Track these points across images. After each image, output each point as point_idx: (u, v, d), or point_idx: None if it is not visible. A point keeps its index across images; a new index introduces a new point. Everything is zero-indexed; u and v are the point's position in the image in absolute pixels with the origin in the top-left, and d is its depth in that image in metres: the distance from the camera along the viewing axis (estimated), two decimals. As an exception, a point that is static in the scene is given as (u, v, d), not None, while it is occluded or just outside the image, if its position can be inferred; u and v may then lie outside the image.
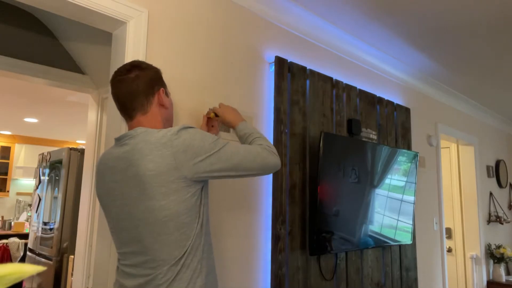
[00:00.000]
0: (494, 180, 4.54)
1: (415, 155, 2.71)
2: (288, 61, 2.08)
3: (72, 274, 2.84)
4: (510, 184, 4.88)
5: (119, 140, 1.17)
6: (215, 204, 1.70)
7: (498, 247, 4.14)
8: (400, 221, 2.56)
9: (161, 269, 1.06)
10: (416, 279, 2.87)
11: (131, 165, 1.08)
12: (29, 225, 4.80)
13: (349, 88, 2.47)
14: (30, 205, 6.44)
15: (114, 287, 1.18)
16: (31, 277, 3.66)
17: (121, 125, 1.44)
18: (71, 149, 3.58)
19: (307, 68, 2.19)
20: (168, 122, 1.28)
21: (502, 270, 4.11)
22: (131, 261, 1.12)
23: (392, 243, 2.49)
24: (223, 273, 1.69)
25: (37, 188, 4.03)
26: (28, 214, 6.26)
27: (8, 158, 6.39)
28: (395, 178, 2.52)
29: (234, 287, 1.73)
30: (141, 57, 1.50)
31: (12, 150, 6.43)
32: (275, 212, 1.88)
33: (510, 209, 4.77)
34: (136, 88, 1.17)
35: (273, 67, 2.02)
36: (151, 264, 1.07)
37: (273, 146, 1.35)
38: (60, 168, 3.56)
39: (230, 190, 1.77)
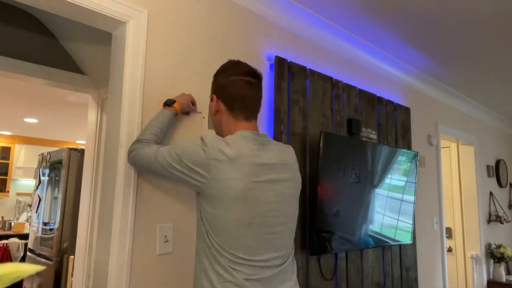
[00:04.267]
0: (494, 179, 4.54)
1: (415, 155, 2.71)
2: (288, 61, 2.08)
3: (72, 274, 2.84)
4: (510, 184, 4.88)
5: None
6: (215, 204, 1.70)
7: (498, 246, 4.13)
8: (400, 220, 2.56)
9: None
10: (416, 279, 2.86)
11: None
12: (29, 225, 4.80)
13: (349, 88, 2.47)
14: (30, 205, 6.44)
15: None
16: (31, 277, 3.66)
17: (121, 126, 1.44)
18: (71, 149, 3.58)
19: (307, 68, 2.19)
20: None
21: (502, 269, 4.11)
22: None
23: (392, 242, 2.49)
24: (223, 273, 1.69)
25: (37, 188, 4.03)
26: (28, 214, 6.26)
27: (8, 158, 6.39)
28: (395, 178, 2.52)
29: (234, 287, 1.73)
30: (141, 58, 1.50)
31: (12, 150, 6.43)
32: (275, 212, 1.88)
33: (510, 209, 4.77)
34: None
35: (273, 67, 2.02)
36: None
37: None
38: (60, 168, 3.56)
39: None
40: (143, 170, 1.34)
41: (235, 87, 1.24)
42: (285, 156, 1.26)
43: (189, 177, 1.17)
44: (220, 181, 1.12)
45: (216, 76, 1.32)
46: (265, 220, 1.16)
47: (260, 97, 1.30)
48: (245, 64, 1.30)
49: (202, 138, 1.18)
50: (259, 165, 1.16)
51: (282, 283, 1.19)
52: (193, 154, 1.16)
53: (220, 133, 1.29)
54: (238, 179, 1.12)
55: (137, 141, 1.36)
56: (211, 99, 1.31)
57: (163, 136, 1.44)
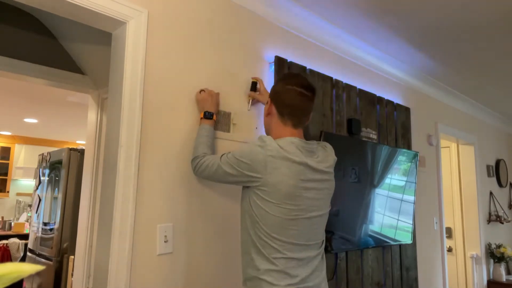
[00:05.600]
0: (494, 179, 4.54)
1: (415, 155, 2.71)
2: (288, 61, 2.08)
3: (72, 275, 2.84)
4: (510, 183, 4.88)
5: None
6: (221, 206, 1.70)
7: (499, 246, 4.13)
8: (400, 220, 2.56)
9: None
10: (416, 279, 2.86)
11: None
12: (29, 225, 4.80)
13: (349, 88, 2.47)
14: (30, 206, 6.44)
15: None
16: (31, 277, 3.66)
17: (121, 126, 1.44)
18: (71, 149, 3.58)
19: (307, 68, 2.19)
20: None
21: (502, 269, 4.11)
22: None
23: (392, 242, 2.49)
24: (225, 273, 1.69)
25: (37, 188, 4.03)
26: (28, 215, 6.27)
27: (8, 159, 6.39)
28: (395, 178, 2.52)
29: (235, 287, 1.73)
30: (140, 58, 1.50)
31: (12, 150, 6.43)
32: (275, 212, 1.88)
33: (510, 208, 4.77)
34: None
35: (273, 67, 2.02)
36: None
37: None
38: (60, 168, 3.56)
39: (233, 192, 1.77)
40: (210, 179, 1.47)
41: (288, 96, 1.38)
42: (327, 162, 1.39)
43: (247, 176, 1.31)
44: (275, 176, 1.26)
45: (276, 82, 1.47)
46: (307, 214, 1.30)
47: (310, 109, 1.42)
48: (304, 78, 1.43)
49: (260, 138, 1.33)
50: (306, 166, 1.30)
51: (317, 270, 1.35)
52: (251, 152, 1.31)
53: (268, 133, 1.45)
54: (290, 176, 1.26)
55: (195, 158, 1.52)
56: (267, 102, 1.46)
57: (213, 147, 1.59)
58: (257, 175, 1.28)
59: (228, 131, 1.78)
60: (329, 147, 1.47)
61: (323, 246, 1.41)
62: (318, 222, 1.36)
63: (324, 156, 1.40)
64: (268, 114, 1.44)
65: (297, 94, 1.37)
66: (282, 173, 1.25)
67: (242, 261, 1.36)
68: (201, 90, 1.67)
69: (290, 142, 1.31)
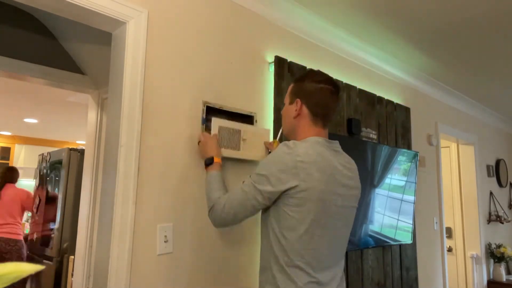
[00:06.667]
0: (494, 179, 4.54)
1: (415, 155, 2.71)
2: (288, 61, 2.08)
3: (72, 275, 2.84)
4: (510, 183, 4.88)
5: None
6: (215, 204, 1.70)
7: (499, 246, 4.14)
8: (400, 220, 2.56)
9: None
10: (416, 279, 2.86)
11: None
12: (29, 225, 4.79)
13: (349, 88, 2.47)
14: (30, 206, 6.43)
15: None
16: (31, 278, 3.66)
17: (121, 126, 1.44)
18: (71, 149, 3.57)
19: (307, 68, 2.19)
20: None
21: (502, 269, 4.11)
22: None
23: (392, 242, 2.49)
24: (225, 273, 1.69)
25: (37, 188, 4.03)
26: (28, 215, 6.26)
27: (8, 159, 6.39)
28: (395, 178, 2.52)
29: (235, 287, 1.73)
30: (140, 58, 1.50)
31: (12, 150, 6.43)
32: (275, 212, 1.88)
33: (510, 208, 4.77)
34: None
35: (273, 67, 2.02)
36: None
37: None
38: (60, 169, 3.56)
39: (230, 190, 1.77)
40: (237, 218, 1.31)
41: (322, 95, 1.30)
42: (352, 165, 1.32)
43: (280, 191, 1.18)
44: (308, 181, 1.16)
45: (302, 81, 1.35)
46: (333, 222, 1.22)
47: (337, 107, 1.37)
48: (326, 74, 1.35)
49: (284, 144, 1.23)
50: (335, 169, 1.23)
51: None
52: (277, 161, 1.20)
53: (293, 135, 1.34)
54: (321, 180, 1.18)
55: (212, 208, 1.37)
56: (291, 103, 1.35)
57: (225, 188, 1.44)
58: (290, 185, 1.16)
59: (238, 149, 1.78)
60: (352, 159, 1.39)
61: (342, 273, 1.29)
62: (342, 237, 1.27)
63: (348, 160, 1.32)
64: (297, 115, 1.32)
65: (330, 92, 1.31)
66: (314, 178, 1.16)
67: (261, 278, 1.27)
68: (199, 142, 1.61)
69: (315, 142, 1.24)
